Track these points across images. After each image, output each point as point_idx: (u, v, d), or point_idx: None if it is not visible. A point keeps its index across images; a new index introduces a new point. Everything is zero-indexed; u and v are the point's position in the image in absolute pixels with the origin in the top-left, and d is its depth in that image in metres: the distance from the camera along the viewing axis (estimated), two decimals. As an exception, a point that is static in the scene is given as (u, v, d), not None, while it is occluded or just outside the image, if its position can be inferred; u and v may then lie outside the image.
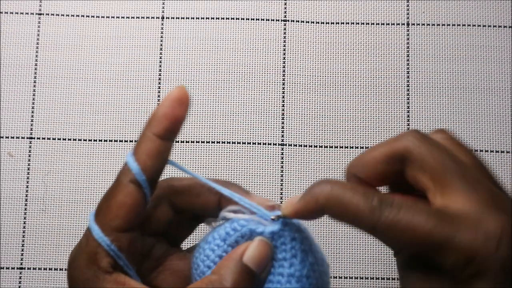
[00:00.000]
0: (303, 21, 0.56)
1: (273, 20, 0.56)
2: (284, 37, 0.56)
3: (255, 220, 0.33)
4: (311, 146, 0.54)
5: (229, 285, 0.31)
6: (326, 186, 0.30)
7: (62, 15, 0.56)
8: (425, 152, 0.29)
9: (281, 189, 0.53)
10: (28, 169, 0.53)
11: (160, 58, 0.55)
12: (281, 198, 0.53)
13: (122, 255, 0.31)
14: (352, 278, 0.51)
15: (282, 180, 0.53)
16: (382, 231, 0.28)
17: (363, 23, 0.56)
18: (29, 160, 0.53)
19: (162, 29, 0.56)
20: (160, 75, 0.55)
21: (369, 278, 0.51)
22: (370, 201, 0.28)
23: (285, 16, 0.56)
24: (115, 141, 0.54)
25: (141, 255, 0.34)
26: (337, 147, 0.54)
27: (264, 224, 0.33)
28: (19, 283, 0.51)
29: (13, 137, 0.54)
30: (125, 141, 0.54)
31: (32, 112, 0.54)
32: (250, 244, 0.32)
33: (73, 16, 0.56)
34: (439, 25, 0.56)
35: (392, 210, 0.27)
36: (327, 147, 0.54)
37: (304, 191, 0.31)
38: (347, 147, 0.54)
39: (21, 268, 0.52)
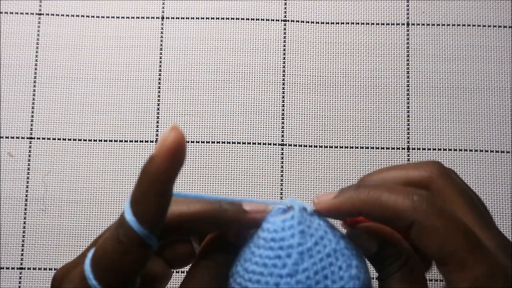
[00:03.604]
0: (303, 21, 0.56)
1: (273, 20, 0.56)
2: (284, 37, 0.56)
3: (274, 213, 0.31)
4: (311, 146, 0.54)
5: None
6: (363, 190, 0.29)
7: (62, 15, 0.56)
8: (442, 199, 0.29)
9: (281, 189, 0.53)
10: (28, 169, 0.53)
11: (160, 58, 0.55)
12: (281, 198, 0.53)
13: None
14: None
15: (282, 180, 0.53)
16: (420, 227, 0.28)
17: (363, 23, 0.56)
18: (29, 160, 0.53)
19: (162, 29, 0.56)
20: (160, 75, 0.55)
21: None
22: (410, 198, 0.28)
23: (285, 16, 0.56)
24: (115, 141, 0.54)
25: None
26: (337, 147, 0.54)
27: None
28: (19, 283, 0.51)
29: (13, 137, 0.54)
30: (125, 141, 0.54)
31: (32, 112, 0.54)
32: None
33: (73, 16, 0.56)
34: (439, 25, 0.56)
35: (434, 209, 0.27)
36: (327, 147, 0.54)
37: (333, 190, 0.31)
38: (347, 147, 0.54)
39: (21, 268, 0.52)
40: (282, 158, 0.54)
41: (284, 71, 0.55)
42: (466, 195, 0.29)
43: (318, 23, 0.56)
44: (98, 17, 0.56)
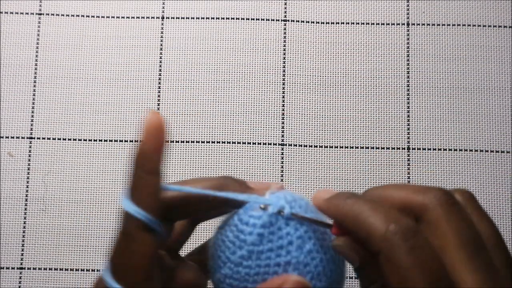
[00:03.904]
0: (303, 21, 0.56)
1: (273, 20, 0.56)
2: (284, 37, 0.56)
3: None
4: (311, 146, 0.54)
5: None
6: (350, 201, 0.29)
7: (62, 15, 0.56)
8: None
9: (281, 189, 0.53)
10: (28, 169, 0.53)
11: (160, 58, 0.55)
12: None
13: None
14: (352, 278, 0.51)
15: (282, 180, 0.53)
16: (384, 258, 0.26)
17: (363, 23, 0.56)
18: (29, 160, 0.53)
19: (162, 29, 0.56)
20: (160, 75, 0.55)
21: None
22: (387, 225, 0.26)
23: (285, 16, 0.56)
24: (115, 141, 0.54)
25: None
26: (337, 147, 0.54)
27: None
28: (19, 283, 0.51)
29: (13, 137, 0.54)
30: (125, 141, 0.54)
31: (32, 112, 0.54)
32: (288, 279, 0.31)
33: (73, 16, 0.56)
34: (439, 25, 0.56)
35: (405, 244, 0.26)
36: (327, 147, 0.54)
37: (330, 189, 0.31)
38: (347, 147, 0.54)
39: (21, 268, 0.52)
40: (282, 158, 0.54)
41: (284, 71, 0.55)
42: (460, 232, 0.27)
43: (318, 23, 0.56)
44: (98, 17, 0.56)
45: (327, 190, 0.31)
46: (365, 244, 0.28)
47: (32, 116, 0.54)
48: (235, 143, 0.54)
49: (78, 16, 0.56)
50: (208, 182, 0.33)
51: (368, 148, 0.54)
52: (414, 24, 0.56)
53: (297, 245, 0.32)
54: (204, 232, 0.52)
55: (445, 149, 0.54)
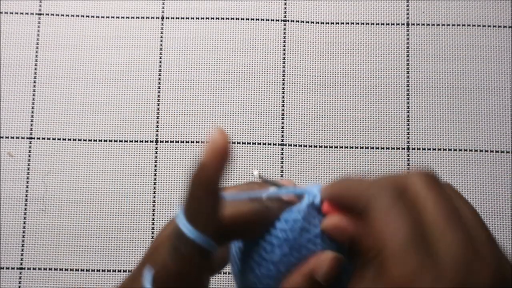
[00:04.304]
0: (303, 21, 0.56)
1: (273, 20, 0.56)
2: (284, 37, 0.56)
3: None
4: (311, 146, 0.54)
5: None
6: (341, 180, 0.31)
7: (62, 15, 0.56)
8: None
9: (281, 189, 0.53)
10: (28, 169, 0.53)
11: (160, 58, 0.55)
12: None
13: None
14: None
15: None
16: (368, 217, 0.28)
17: (363, 23, 0.56)
18: (29, 160, 0.53)
19: (162, 29, 0.56)
20: (160, 75, 0.55)
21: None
22: (373, 185, 0.28)
23: (285, 16, 0.56)
24: (115, 141, 0.54)
25: None
26: (337, 147, 0.54)
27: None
28: (19, 283, 0.51)
29: (13, 137, 0.54)
30: (125, 141, 0.54)
31: (32, 112, 0.54)
32: (321, 259, 0.31)
33: (73, 16, 0.56)
34: (439, 25, 0.56)
35: (391, 194, 0.27)
36: (327, 147, 0.54)
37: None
38: (347, 147, 0.54)
39: (21, 268, 0.52)
40: (282, 158, 0.54)
41: (284, 71, 0.55)
42: (439, 201, 0.27)
43: (318, 23, 0.56)
44: (98, 17, 0.56)
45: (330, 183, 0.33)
46: (354, 207, 0.29)
47: (32, 116, 0.54)
48: (235, 143, 0.54)
49: (78, 16, 0.56)
50: (251, 205, 0.33)
51: (368, 148, 0.54)
52: (414, 24, 0.56)
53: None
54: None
55: (445, 149, 0.54)
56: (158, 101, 0.55)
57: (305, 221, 0.32)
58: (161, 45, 0.56)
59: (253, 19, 0.56)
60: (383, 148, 0.54)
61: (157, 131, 0.54)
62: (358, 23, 0.56)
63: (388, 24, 0.56)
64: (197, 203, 0.30)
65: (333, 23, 0.56)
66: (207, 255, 0.30)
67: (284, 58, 0.55)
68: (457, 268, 0.25)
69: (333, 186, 0.31)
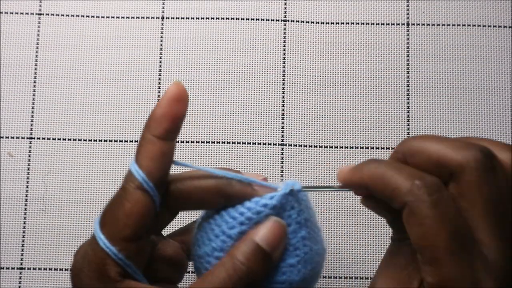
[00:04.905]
0: (303, 21, 0.56)
1: (273, 20, 0.56)
2: (284, 37, 0.56)
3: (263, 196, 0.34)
4: (311, 146, 0.54)
5: (241, 265, 0.30)
6: (372, 164, 0.30)
7: (62, 15, 0.56)
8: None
9: (281, 189, 0.53)
10: (28, 169, 0.53)
11: (160, 58, 0.55)
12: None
13: (130, 263, 0.31)
14: (352, 278, 0.51)
15: (282, 180, 0.53)
16: (408, 211, 0.27)
17: (363, 23, 0.56)
18: (29, 160, 0.53)
19: (162, 29, 0.56)
20: (160, 75, 0.55)
21: (369, 278, 0.51)
22: (411, 181, 0.27)
23: (285, 16, 0.56)
24: (115, 141, 0.54)
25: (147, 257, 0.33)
26: (337, 147, 0.54)
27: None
28: (19, 283, 0.51)
29: (13, 137, 0.54)
30: (125, 141, 0.54)
31: (32, 112, 0.54)
32: (262, 224, 0.32)
33: (73, 16, 0.56)
34: (439, 25, 0.56)
35: (429, 198, 0.26)
36: (327, 147, 0.54)
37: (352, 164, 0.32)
38: (347, 147, 0.54)
39: (21, 268, 0.52)
40: (282, 158, 0.54)
41: (284, 71, 0.55)
42: (489, 201, 0.27)
43: (318, 23, 0.56)
44: (98, 17, 0.56)
45: (349, 165, 0.32)
46: (390, 201, 0.29)
47: (32, 116, 0.54)
48: (235, 143, 0.54)
49: (78, 16, 0.56)
50: (215, 180, 0.33)
51: (368, 148, 0.54)
52: (414, 24, 0.56)
53: (293, 229, 0.33)
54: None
55: (445, 149, 0.54)
56: (158, 101, 0.55)
57: (273, 210, 0.33)
58: (161, 45, 0.56)
59: (253, 19, 0.56)
60: (383, 148, 0.54)
61: (157, 131, 0.54)
62: (358, 23, 0.56)
63: (388, 24, 0.56)
64: (142, 141, 0.32)
65: (333, 23, 0.56)
66: (145, 192, 0.31)
67: (284, 58, 0.55)
68: None
69: (363, 172, 0.30)
